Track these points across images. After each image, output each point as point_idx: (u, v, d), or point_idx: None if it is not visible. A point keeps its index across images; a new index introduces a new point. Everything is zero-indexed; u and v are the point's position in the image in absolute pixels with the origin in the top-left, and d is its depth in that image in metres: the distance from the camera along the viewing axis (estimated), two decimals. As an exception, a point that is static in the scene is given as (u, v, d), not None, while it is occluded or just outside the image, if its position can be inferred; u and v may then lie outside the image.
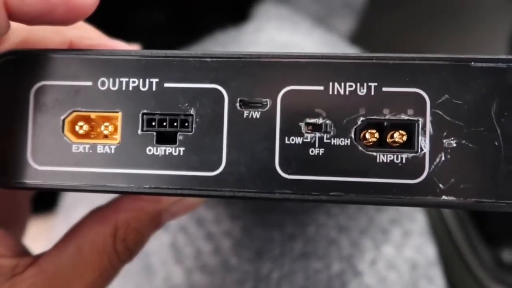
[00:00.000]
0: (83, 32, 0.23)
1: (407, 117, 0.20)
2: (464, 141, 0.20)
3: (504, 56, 0.20)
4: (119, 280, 0.41)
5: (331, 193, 0.20)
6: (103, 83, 0.22)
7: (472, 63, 0.20)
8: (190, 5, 0.58)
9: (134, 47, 0.27)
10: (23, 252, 0.25)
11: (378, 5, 0.52)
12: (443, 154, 0.20)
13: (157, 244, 0.41)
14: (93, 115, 0.22)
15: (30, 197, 0.32)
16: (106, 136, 0.22)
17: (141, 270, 0.41)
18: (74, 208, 0.46)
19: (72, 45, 0.23)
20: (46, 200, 0.47)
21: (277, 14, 0.53)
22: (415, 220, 0.40)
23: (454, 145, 0.20)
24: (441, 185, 0.20)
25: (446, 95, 0.20)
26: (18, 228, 0.31)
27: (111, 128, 0.22)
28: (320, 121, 0.21)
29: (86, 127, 0.22)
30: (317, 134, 0.21)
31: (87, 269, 0.23)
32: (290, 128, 0.21)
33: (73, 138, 0.22)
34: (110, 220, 0.23)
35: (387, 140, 0.21)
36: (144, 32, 0.56)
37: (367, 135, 0.20)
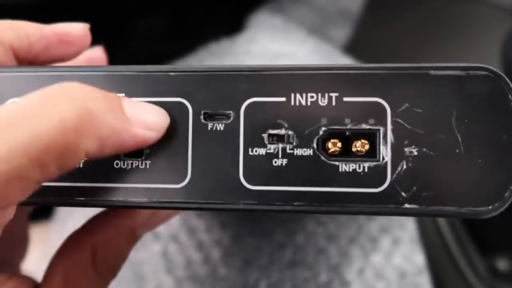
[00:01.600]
0: (20, 31, 0.23)
1: (368, 126, 0.20)
2: (425, 149, 0.20)
3: (462, 64, 0.20)
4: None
5: (294, 203, 0.21)
6: None
7: (431, 71, 0.20)
8: (189, 13, 0.58)
9: (97, 50, 0.27)
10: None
11: (373, 15, 0.52)
12: (404, 162, 0.20)
13: (149, 253, 0.42)
14: None
15: (28, 214, 0.32)
16: None
17: (133, 279, 0.41)
18: (69, 216, 0.46)
19: (14, 49, 0.23)
20: (42, 209, 0.47)
21: (271, 24, 0.53)
22: (405, 228, 0.40)
23: (416, 153, 0.20)
24: (403, 193, 0.20)
25: (406, 104, 0.20)
26: (22, 251, 0.31)
27: None
28: (283, 132, 0.21)
29: None
30: (280, 145, 0.21)
31: None
32: (254, 140, 0.21)
33: None
34: (87, 244, 0.24)
35: (352, 150, 0.21)
36: (143, 39, 0.57)
37: (329, 145, 0.21)
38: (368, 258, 0.38)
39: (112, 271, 0.25)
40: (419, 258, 0.38)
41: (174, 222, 0.43)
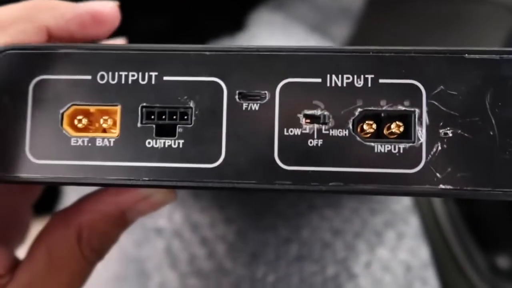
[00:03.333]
0: (55, 11, 0.23)
1: (403, 108, 0.21)
2: (459, 131, 0.20)
3: (497, 48, 0.21)
4: (114, 284, 0.41)
5: (330, 184, 0.21)
6: (102, 77, 0.22)
7: (466, 55, 0.21)
8: (192, 12, 0.58)
9: (120, 41, 0.27)
10: (14, 265, 0.24)
11: (374, 12, 0.53)
12: (439, 143, 0.20)
13: (152, 250, 0.41)
14: (92, 109, 0.22)
15: (31, 203, 0.32)
16: (105, 130, 0.22)
17: (136, 275, 0.41)
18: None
19: (50, 30, 0.23)
20: (46, 203, 0.46)
21: (271, 21, 0.53)
22: (409, 223, 0.40)
23: (450, 134, 0.20)
24: (438, 174, 0.20)
25: (442, 86, 0.21)
26: (19, 235, 0.31)
27: (110, 121, 0.22)
28: (319, 112, 0.21)
29: (85, 121, 0.22)
30: (316, 126, 0.21)
31: (60, 274, 0.24)
32: (289, 120, 0.21)
33: (71, 132, 0.22)
34: (74, 223, 0.24)
35: (385, 132, 0.21)
36: (146, 38, 0.56)
37: (365, 126, 0.21)
38: (374, 252, 0.38)
39: (98, 252, 0.24)
40: (423, 252, 0.39)
41: (177, 218, 0.42)
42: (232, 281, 0.38)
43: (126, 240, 0.42)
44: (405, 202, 0.42)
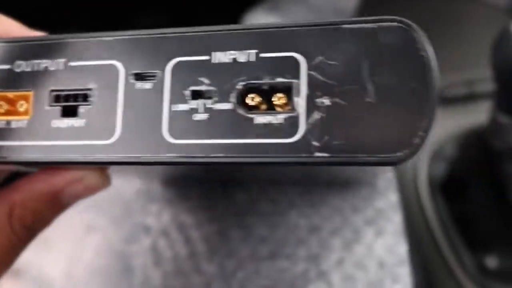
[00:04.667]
0: (2, 25, 0.26)
1: (283, 80, 0.21)
2: (337, 99, 0.21)
3: (373, 17, 0.21)
4: (99, 278, 0.43)
5: (213, 155, 0.21)
6: (18, 66, 0.24)
7: (344, 25, 0.21)
8: (188, 12, 0.61)
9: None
10: None
11: (368, 13, 0.53)
12: (316, 112, 0.21)
13: (139, 247, 0.43)
14: (10, 95, 0.24)
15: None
16: (20, 113, 0.24)
17: (122, 271, 0.42)
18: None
19: None
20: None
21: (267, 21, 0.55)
22: (391, 220, 0.39)
23: (329, 103, 0.21)
24: (315, 143, 0.20)
25: (320, 57, 0.21)
26: None
27: (25, 105, 0.24)
28: (204, 88, 0.22)
29: (6, 106, 0.24)
30: (201, 101, 0.22)
31: None
32: (177, 97, 0.22)
33: None
34: (5, 201, 0.25)
35: (272, 104, 0.21)
36: None
37: (248, 100, 0.21)
38: (350, 249, 0.38)
39: (29, 229, 0.26)
40: (401, 249, 0.38)
41: (165, 218, 0.44)
42: (204, 280, 0.39)
43: (114, 236, 0.44)
44: (391, 198, 0.41)
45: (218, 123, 0.22)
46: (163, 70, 0.22)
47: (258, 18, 0.53)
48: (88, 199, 0.27)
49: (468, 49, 0.50)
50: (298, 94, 0.21)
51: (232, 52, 0.22)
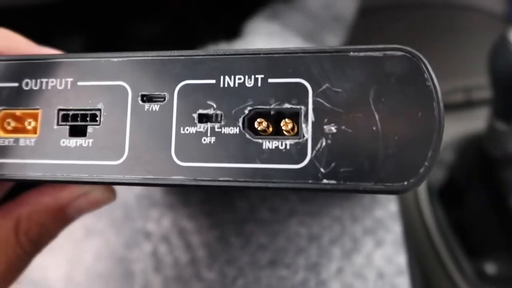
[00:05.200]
0: (10, 42, 0.26)
1: (290, 106, 0.21)
2: (343, 127, 0.21)
3: (380, 46, 0.21)
4: (99, 283, 0.43)
5: (220, 179, 0.22)
6: (26, 84, 0.24)
7: (351, 53, 0.21)
8: (188, 19, 0.61)
9: (56, 51, 0.30)
10: None
11: (367, 21, 0.53)
12: (324, 139, 0.21)
13: (140, 253, 0.43)
14: (18, 112, 0.24)
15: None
16: (29, 131, 0.24)
17: (122, 276, 0.43)
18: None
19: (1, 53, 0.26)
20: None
21: (267, 30, 0.55)
22: (391, 230, 0.40)
23: (335, 131, 0.21)
24: (322, 170, 0.21)
25: (327, 84, 0.21)
26: None
27: (33, 123, 0.24)
28: (211, 111, 0.22)
29: (13, 123, 0.24)
30: (209, 124, 0.22)
31: None
32: (185, 119, 0.22)
33: (1, 133, 0.24)
34: (12, 214, 0.25)
35: (279, 129, 0.22)
36: (143, 44, 0.59)
37: (256, 124, 0.22)
38: (349, 258, 0.38)
39: (35, 243, 0.26)
40: (401, 260, 0.38)
41: (166, 223, 0.44)
42: (205, 286, 0.39)
43: (115, 241, 0.44)
44: (391, 208, 0.41)
45: (225, 147, 0.22)
46: (171, 92, 0.23)
47: (258, 26, 0.54)
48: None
49: (465, 57, 0.50)
50: (305, 121, 0.21)
51: (239, 76, 0.22)
